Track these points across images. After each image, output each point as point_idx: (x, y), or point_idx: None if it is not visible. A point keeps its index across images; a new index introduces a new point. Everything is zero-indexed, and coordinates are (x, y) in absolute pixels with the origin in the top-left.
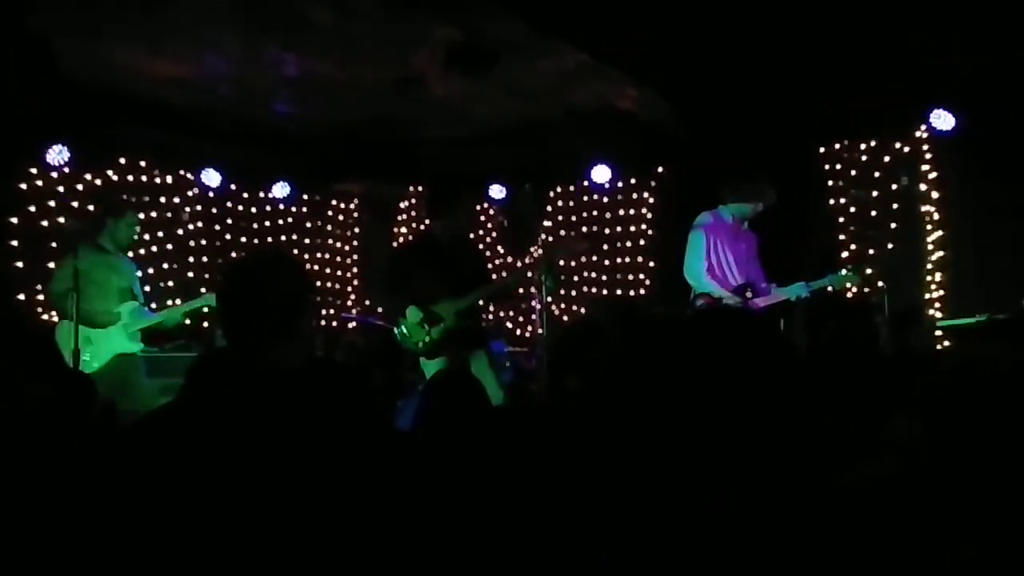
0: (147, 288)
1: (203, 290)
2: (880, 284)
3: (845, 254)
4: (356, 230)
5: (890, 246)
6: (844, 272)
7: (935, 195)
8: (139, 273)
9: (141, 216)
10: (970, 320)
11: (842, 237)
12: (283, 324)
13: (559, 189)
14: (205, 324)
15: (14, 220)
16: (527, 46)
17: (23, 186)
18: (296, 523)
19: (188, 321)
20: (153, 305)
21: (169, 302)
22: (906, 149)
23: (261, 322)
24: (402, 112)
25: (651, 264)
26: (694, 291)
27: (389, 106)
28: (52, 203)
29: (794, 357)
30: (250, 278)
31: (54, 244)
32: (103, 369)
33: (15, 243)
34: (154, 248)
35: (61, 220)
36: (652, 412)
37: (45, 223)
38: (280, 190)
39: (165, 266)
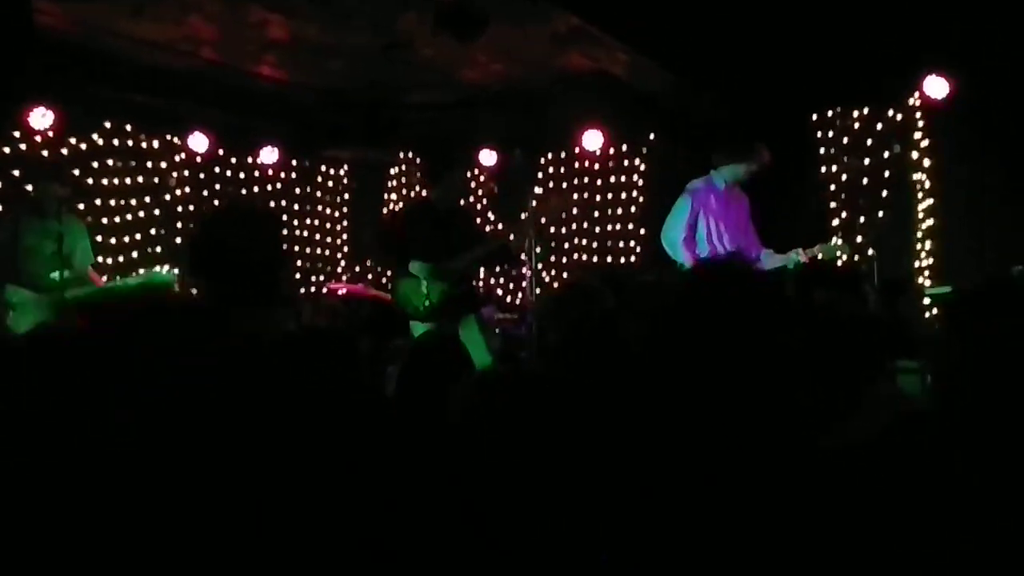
0: (134, 254)
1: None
2: (870, 252)
3: (836, 222)
4: (346, 196)
5: (880, 214)
6: (835, 242)
7: (927, 163)
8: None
9: (128, 181)
10: (944, 290)
11: (833, 205)
12: (258, 281)
13: (550, 155)
14: None
15: None
16: (517, 9)
17: (6, 150)
18: (281, 496)
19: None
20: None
21: (157, 268)
22: (899, 117)
23: (234, 279)
24: (391, 77)
25: (642, 231)
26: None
27: (378, 71)
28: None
29: (790, 315)
30: (220, 233)
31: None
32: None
33: (1, 208)
34: (141, 213)
35: (55, 186)
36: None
37: (30, 188)
38: (268, 155)
39: (152, 232)
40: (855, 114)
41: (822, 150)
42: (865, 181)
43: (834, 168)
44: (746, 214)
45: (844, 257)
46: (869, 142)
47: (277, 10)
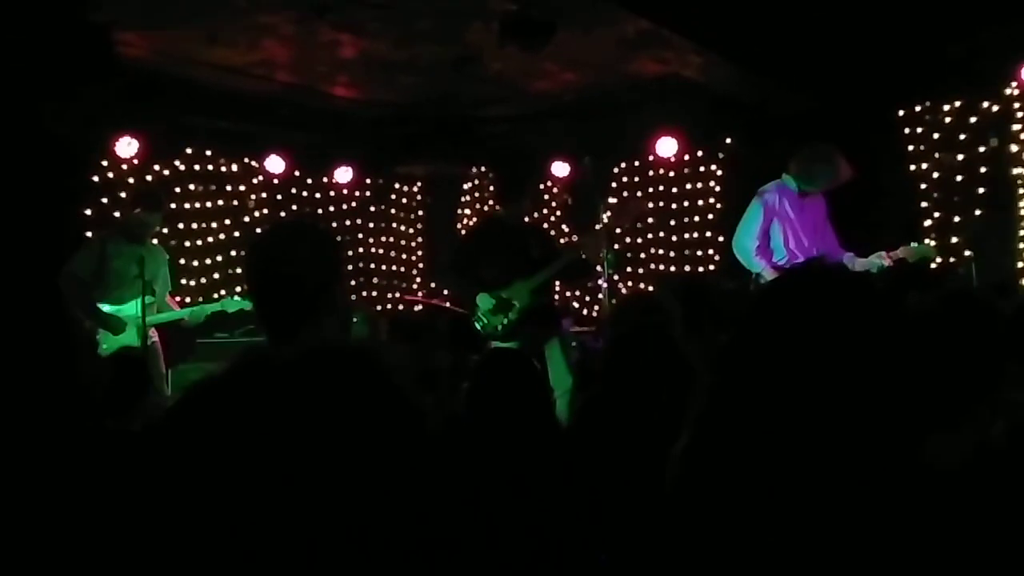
0: (215, 275)
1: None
2: (967, 253)
3: (928, 223)
4: (420, 212)
5: (977, 213)
6: (922, 244)
7: None
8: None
9: (209, 205)
10: None
11: (924, 204)
12: (310, 302)
13: (623, 164)
14: None
15: (88, 212)
16: (583, 15)
17: (95, 178)
18: (301, 526)
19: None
20: (220, 295)
21: (237, 289)
22: (995, 108)
23: (286, 301)
24: (462, 91)
25: (720, 239)
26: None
27: (448, 85)
28: (123, 194)
29: (891, 317)
30: (271, 253)
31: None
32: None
33: (89, 234)
34: (221, 236)
35: (137, 211)
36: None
37: (117, 214)
38: (343, 174)
39: (232, 253)
40: (946, 107)
41: (911, 147)
42: (959, 178)
43: (924, 166)
44: (823, 216)
45: (934, 259)
46: (963, 136)
47: (347, 30)
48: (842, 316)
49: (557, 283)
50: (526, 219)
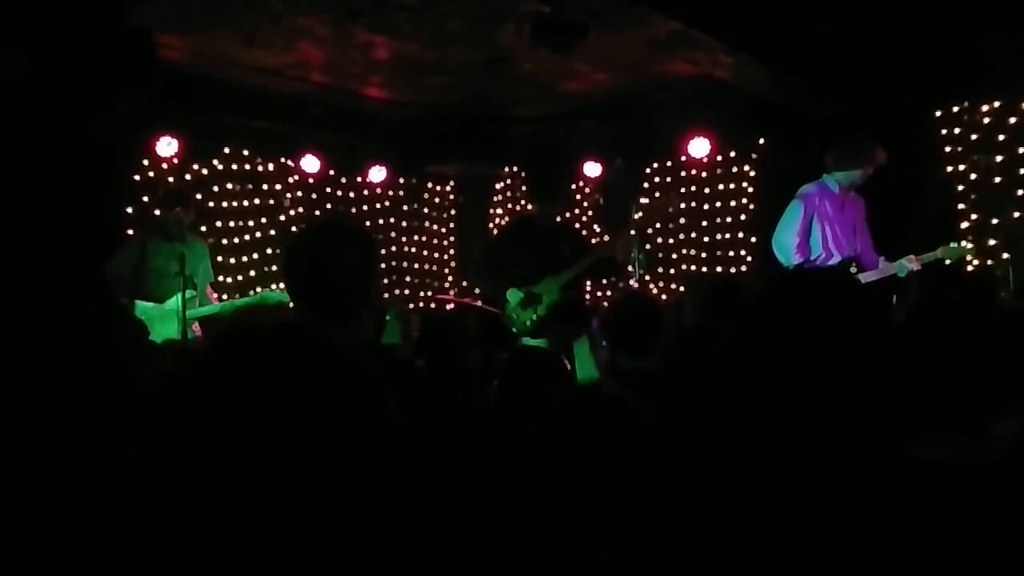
0: (252, 272)
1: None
2: (1004, 256)
3: (965, 224)
4: (452, 212)
5: (1016, 215)
6: (958, 244)
7: None
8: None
9: (246, 204)
10: None
11: (961, 206)
12: (346, 299)
13: (655, 165)
14: None
15: (129, 210)
16: (614, 16)
17: (136, 177)
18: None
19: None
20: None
21: (273, 286)
22: None
23: (323, 299)
24: (493, 91)
25: (752, 240)
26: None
27: (480, 86)
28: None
29: (885, 322)
30: (309, 251)
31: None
32: None
33: (131, 232)
34: (258, 234)
35: (161, 211)
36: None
37: (158, 212)
38: (376, 174)
39: (268, 251)
40: (984, 108)
41: (948, 148)
42: (997, 180)
43: (961, 167)
44: (862, 218)
45: (971, 259)
46: (1001, 138)
47: (380, 31)
48: (828, 319)
49: (588, 283)
50: (558, 219)
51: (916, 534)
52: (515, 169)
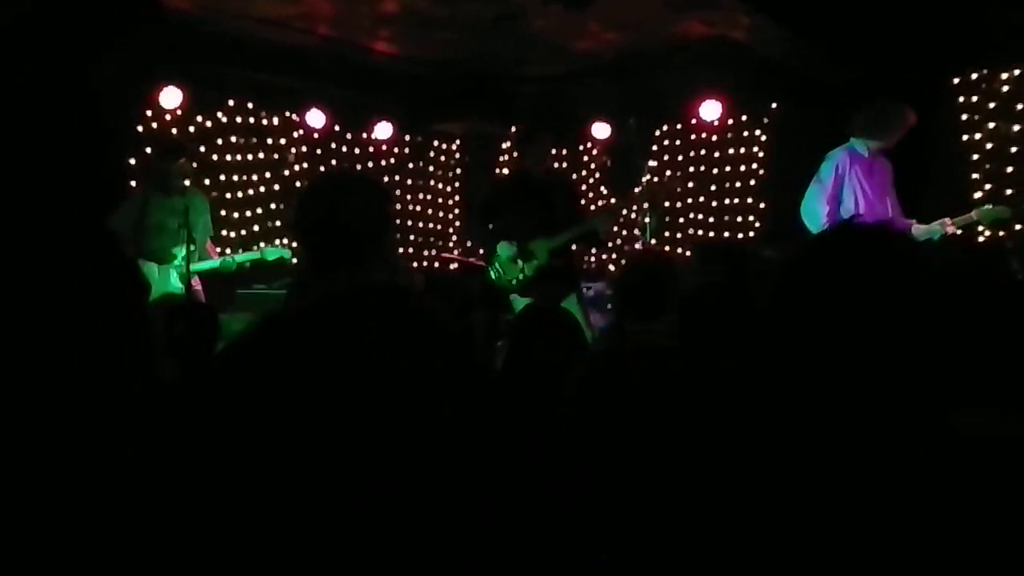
0: (255, 227)
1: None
2: (1018, 227)
3: (978, 195)
4: (458, 171)
5: None
6: (992, 206)
7: None
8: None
9: (250, 157)
10: None
11: (975, 176)
12: (360, 248)
13: (665, 127)
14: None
15: (132, 162)
16: None
17: (140, 128)
18: (366, 449)
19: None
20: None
21: (277, 241)
22: None
23: (337, 250)
24: (503, 50)
25: (762, 205)
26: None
27: (490, 43)
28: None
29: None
30: (323, 202)
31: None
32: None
33: (134, 184)
34: (262, 189)
35: (160, 164)
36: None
37: (158, 165)
38: (382, 130)
39: (272, 206)
40: (1004, 76)
41: (964, 116)
42: (1014, 149)
43: (978, 136)
44: (890, 181)
45: (983, 230)
46: (1020, 107)
47: None
48: (875, 279)
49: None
50: (559, 175)
51: (955, 507)
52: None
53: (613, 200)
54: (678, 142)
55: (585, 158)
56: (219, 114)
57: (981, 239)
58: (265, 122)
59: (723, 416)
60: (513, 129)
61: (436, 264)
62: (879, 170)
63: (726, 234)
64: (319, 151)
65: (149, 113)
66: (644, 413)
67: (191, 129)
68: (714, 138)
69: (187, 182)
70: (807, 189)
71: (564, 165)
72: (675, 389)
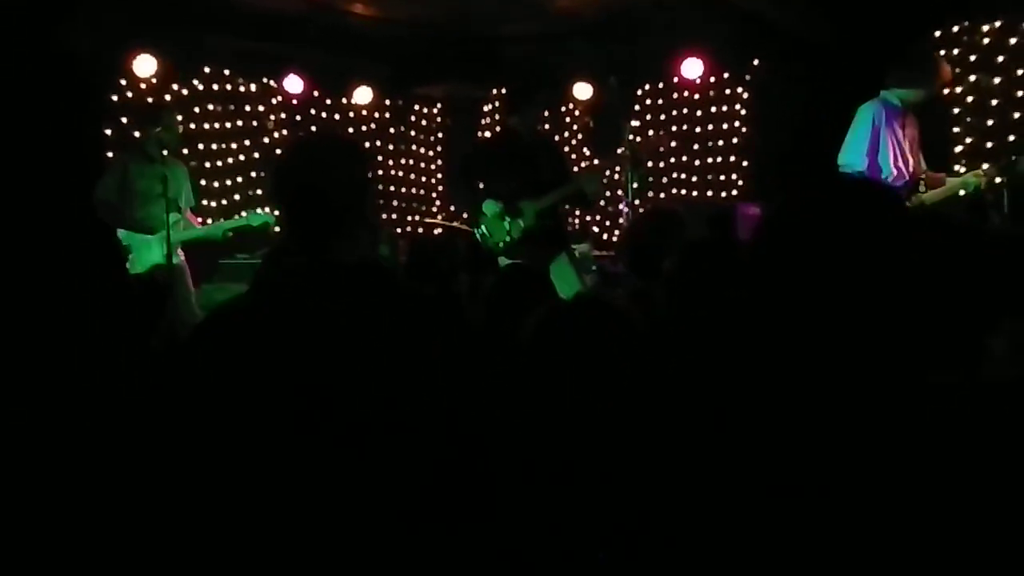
0: (236, 196)
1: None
2: (997, 180)
3: (959, 148)
4: (440, 135)
5: (1011, 138)
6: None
7: None
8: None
9: (228, 126)
10: None
11: (956, 129)
12: (343, 214)
13: (647, 87)
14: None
15: (108, 132)
16: None
17: (114, 98)
18: (360, 416)
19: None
20: (240, 215)
21: (258, 210)
22: None
23: (317, 215)
24: (482, 10)
25: (744, 163)
26: None
27: (469, 3)
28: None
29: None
30: (301, 166)
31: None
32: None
33: (110, 155)
34: (241, 157)
35: (139, 133)
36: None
37: (137, 134)
38: (362, 95)
39: (253, 175)
40: (985, 28)
41: None
42: (995, 102)
43: (959, 89)
44: (920, 135)
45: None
46: (1000, 59)
47: None
48: (857, 232)
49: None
50: (551, 137)
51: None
52: (503, 91)
53: (596, 161)
54: (660, 101)
55: (567, 119)
56: (195, 82)
57: (962, 192)
58: (243, 89)
59: (671, 374)
60: (495, 91)
61: (420, 229)
62: (911, 123)
63: (709, 192)
64: (298, 117)
65: (124, 83)
66: (586, 365)
67: (167, 97)
68: (696, 96)
69: (165, 152)
70: (845, 145)
71: (547, 127)
72: (620, 348)
